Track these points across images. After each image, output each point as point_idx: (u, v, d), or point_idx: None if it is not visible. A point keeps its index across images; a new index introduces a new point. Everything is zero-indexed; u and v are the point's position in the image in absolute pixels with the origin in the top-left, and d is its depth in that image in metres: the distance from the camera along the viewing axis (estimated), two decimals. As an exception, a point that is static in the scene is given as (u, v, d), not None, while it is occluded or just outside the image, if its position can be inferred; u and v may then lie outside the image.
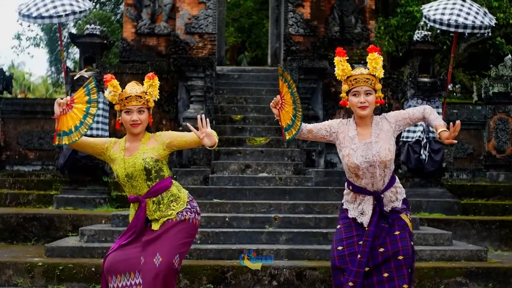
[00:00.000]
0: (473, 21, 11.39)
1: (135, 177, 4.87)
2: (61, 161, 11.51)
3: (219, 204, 9.45)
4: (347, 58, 4.97)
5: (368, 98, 4.83)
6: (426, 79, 11.94)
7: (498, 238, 10.45)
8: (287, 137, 4.80)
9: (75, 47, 20.42)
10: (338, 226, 4.93)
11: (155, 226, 4.88)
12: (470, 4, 11.71)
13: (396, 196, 4.89)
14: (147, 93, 4.98)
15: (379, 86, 4.90)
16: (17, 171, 14.31)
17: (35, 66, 65.13)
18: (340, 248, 4.79)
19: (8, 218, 10.18)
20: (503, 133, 14.73)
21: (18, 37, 30.69)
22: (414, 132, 11.58)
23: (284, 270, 7.73)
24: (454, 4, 11.65)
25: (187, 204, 4.97)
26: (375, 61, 4.90)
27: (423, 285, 7.74)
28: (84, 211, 10.53)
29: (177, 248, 4.81)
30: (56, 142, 4.73)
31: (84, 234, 8.60)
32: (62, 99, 4.71)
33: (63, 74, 13.01)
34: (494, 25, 11.88)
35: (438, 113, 11.66)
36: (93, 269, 7.65)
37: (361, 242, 4.74)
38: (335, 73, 4.95)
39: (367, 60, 4.96)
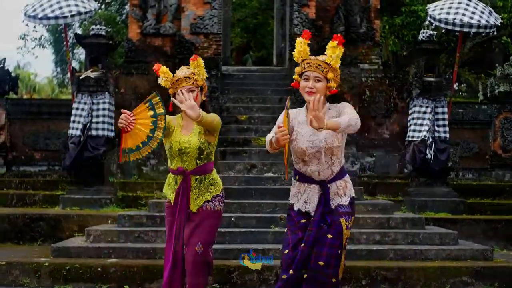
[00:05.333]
0: (479, 21, 11.39)
1: (188, 153, 5.26)
2: (67, 162, 11.54)
3: (225, 204, 9.45)
4: (309, 42, 4.88)
5: (317, 85, 4.78)
6: (431, 79, 11.93)
7: (504, 237, 10.44)
8: (124, 158, 4.96)
9: (80, 47, 20.46)
10: (286, 230, 4.99)
11: (193, 208, 5.35)
12: (476, 3, 11.70)
13: (344, 191, 4.85)
14: (195, 73, 5.35)
15: (331, 75, 4.80)
16: (23, 171, 14.34)
17: (41, 67, 65.27)
18: (286, 251, 4.84)
19: (15, 219, 10.21)
20: (508, 132, 14.70)
21: (23, 37, 30.78)
22: (420, 131, 11.57)
23: (290, 270, 7.73)
24: (459, 3, 11.64)
25: (221, 192, 5.47)
26: (333, 50, 4.81)
27: (429, 284, 7.73)
28: (90, 212, 10.55)
29: (210, 240, 5.35)
30: (122, 160, 5.07)
31: (90, 234, 8.61)
32: (123, 114, 4.94)
33: (68, 75, 13.03)
34: (499, 25, 11.87)
35: (444, 112, 11.67)
36: (99, 269, 7.66)
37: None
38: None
39: (327, 47, 4.86)
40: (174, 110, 5.23)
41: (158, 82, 5.39)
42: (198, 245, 5.21)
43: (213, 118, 5.21)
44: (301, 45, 4.86)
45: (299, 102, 12.17)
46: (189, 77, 5.32)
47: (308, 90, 4.78)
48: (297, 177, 4.90)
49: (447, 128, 11.74)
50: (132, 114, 4.98)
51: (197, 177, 5.34)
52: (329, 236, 4.73)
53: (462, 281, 7.80)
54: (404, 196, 11.73)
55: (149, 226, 8.78)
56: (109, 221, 9.78)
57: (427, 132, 11.52)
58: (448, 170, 12.06)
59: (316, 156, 4.76)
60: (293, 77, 4.91)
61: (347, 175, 4.94)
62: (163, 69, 5.36)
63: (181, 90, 5.11)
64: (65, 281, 7.67)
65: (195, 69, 5.37)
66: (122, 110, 5.03)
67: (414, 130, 11.64)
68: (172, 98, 5.24)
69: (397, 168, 13.30)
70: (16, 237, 10.16)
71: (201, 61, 5.42)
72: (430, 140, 11.50)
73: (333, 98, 5.06)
